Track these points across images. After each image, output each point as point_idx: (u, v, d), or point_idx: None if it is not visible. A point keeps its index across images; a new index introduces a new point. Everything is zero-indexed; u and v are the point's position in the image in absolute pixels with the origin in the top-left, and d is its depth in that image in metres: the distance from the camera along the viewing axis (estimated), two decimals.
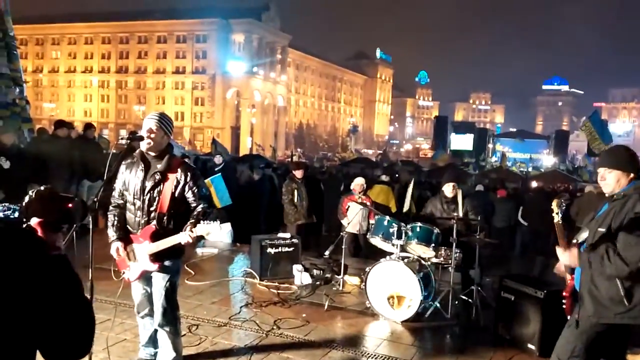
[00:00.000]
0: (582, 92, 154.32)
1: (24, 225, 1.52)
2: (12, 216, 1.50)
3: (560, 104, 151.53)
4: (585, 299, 3.00)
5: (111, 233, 3.64)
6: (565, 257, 3.05)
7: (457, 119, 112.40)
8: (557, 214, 3.10)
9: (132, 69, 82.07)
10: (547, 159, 52.75)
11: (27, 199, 1.61)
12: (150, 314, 3.76)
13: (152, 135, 3.46)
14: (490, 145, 55.05)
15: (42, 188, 1.66)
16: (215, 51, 77.53)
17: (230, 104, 78.59)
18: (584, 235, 3.15)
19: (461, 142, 51.22)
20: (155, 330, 3.73)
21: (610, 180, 3.03)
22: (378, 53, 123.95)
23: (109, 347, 3.84)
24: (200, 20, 77.26)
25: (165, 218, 3.51)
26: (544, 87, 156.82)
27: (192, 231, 3.34)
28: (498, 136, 65.02)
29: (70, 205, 1.65)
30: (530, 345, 4.57)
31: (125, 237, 3.61)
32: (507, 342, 4.79)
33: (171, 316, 3.62)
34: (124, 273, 3.70)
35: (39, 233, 1.51)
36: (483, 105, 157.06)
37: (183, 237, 3.38)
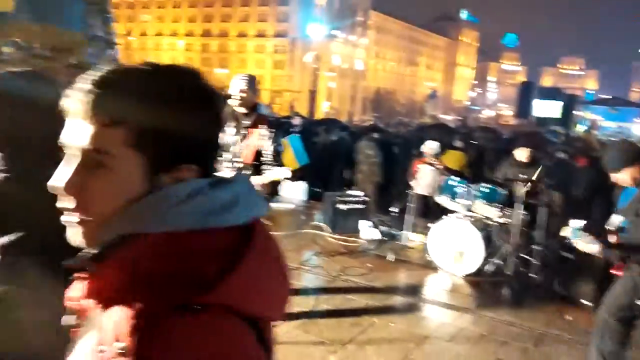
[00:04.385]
0: None
1: None
2: None
3: None
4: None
5: None
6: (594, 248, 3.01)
7: (545, 85, 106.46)
8: (575, 240, 3.04)
9: (216, 32, 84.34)
10: (639, 128, 49.20)
11: None
12: None
13: (244, 95, 3.90)
14: (579, 113, 51.92)
15: None
16: (297, 13, 77.76)
17: (308, 67, 78.98)
18: (616, 220, 3.23)
19: (547, 108, 48.64)
20: None
21: (626, 179, 3.10)
22: (465, 15, 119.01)
23: None
24: None
25: (248, 169, 3.96)
26: None
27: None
28: (586, 103, 61.08)
29: None
30: (585, 301, 4.71)
31: None
32: (563, 298, 4.97)
33: None
34: None
35: None
36: (574, 70, 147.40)
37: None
